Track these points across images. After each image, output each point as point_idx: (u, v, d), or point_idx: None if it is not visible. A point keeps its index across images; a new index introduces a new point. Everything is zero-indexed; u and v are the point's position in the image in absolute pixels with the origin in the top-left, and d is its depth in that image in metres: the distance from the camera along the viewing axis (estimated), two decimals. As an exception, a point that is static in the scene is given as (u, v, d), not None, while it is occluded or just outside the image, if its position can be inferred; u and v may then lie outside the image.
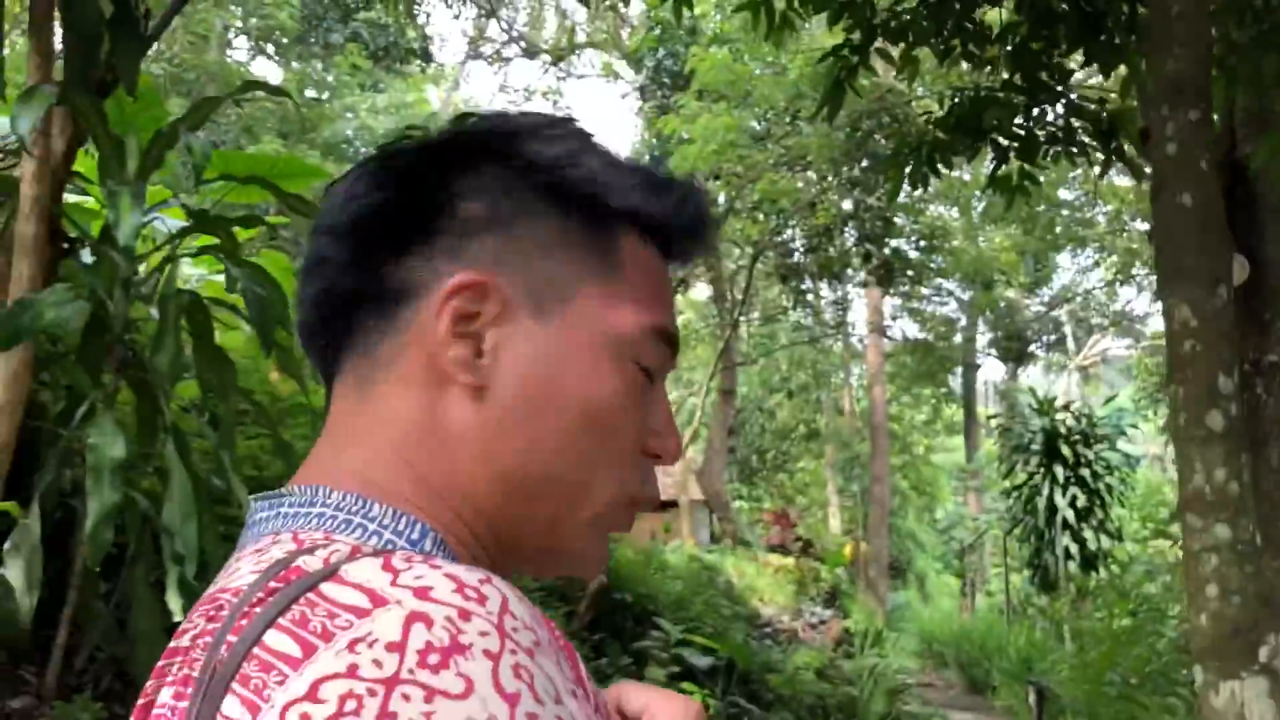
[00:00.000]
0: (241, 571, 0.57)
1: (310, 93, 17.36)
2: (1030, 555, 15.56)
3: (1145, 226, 19.24)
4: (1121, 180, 19.26)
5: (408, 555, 0.52)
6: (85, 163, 3.55)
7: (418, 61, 21.73)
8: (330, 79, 17.69)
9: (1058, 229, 21.72)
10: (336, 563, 0.52)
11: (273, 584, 0.52)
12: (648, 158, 16.53)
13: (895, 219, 15.60)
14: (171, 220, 3.61)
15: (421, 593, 0.48)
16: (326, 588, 0.50)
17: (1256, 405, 3.84)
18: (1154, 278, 21.09)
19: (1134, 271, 21.64)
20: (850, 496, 26.72)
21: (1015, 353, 27.62)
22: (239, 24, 17.75)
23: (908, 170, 4.73)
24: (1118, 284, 23.63)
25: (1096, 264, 23.67)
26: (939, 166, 4.78)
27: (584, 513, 0.66)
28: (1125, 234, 20.43)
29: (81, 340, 3.10)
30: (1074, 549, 14.56)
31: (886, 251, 15.61)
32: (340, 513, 0.60)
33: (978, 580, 23.51)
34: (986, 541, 23.22)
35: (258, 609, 0.51)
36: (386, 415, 0.63)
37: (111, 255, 2.96)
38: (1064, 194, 21.13)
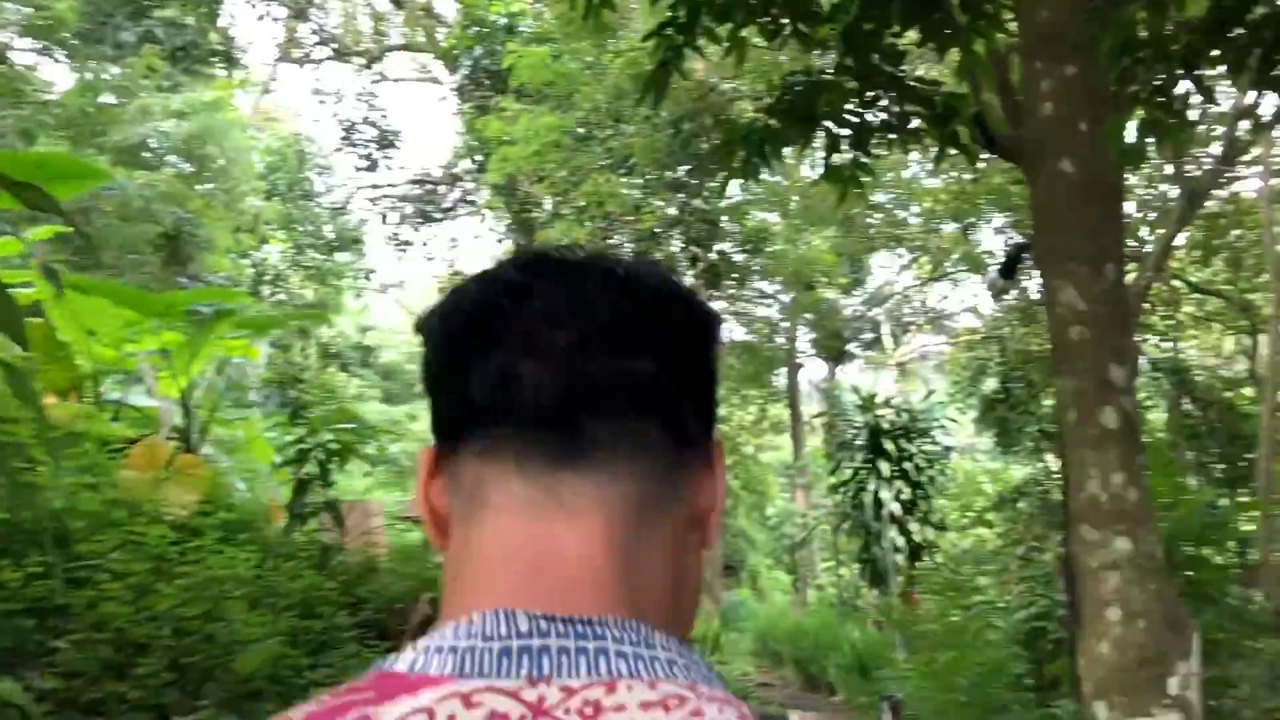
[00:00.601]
0: None
1: (106, 98, 16.02)
2: (859, 549, 15.87)
3: (955, 227, 19.95)
4: (931, 181, 19.93)
5: None
6: None
7: (221, 64, 20.53)
8: (126, 82, 16.39)
9: (872, 231, 22.32)
10: None
11: None
12: (469, 161, 16.00)
13: (720, 223, 15.60)
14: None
15: None
16: None
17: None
18: (965, 275, 21.97)
19: (946, 269, 22.45)
20: (684, 500, 26.83)
21: (835, 352, 28.34)
22: (19, 22, 16.22)
23: (738, 161, 4.46)
24: (930, 283, 24.50)
25: (911, 264, 24.47)
26: (770, 157, 4.54)
27: None
28: (937, 234, 21.14)
29: None
30: (901, 541, 14.94)
31: (713, 255, 15.61)
32: (692, 662, 0.61)
33: (808, 575, 23.97)
34: (815, 537, 23.72)
35: None
36: (660, 547, 0.66)
37: None
38: (878, 197, 21.71)
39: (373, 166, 21.38)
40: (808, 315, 26.42)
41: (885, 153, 4.55)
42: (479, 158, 14.96)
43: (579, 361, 0.63)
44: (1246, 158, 12.65)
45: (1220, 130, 12.51)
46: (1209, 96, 3.75)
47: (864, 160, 4.46)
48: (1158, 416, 13.99)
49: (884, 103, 4.35)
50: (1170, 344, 15.07)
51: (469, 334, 0.65)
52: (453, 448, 0.66)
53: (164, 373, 8.22)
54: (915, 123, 4.36)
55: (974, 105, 4.29)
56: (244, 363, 11.20)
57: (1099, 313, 2.45)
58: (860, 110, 4.37)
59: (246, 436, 10.57)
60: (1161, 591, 2.31)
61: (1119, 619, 2.30)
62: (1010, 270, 5.15)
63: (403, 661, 0.58)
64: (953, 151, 4.30)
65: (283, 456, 8.35)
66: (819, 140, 4.67)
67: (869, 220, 21.89)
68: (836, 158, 4.50)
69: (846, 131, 4.44)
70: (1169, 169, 13.16)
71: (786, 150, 4.73)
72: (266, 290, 20.56)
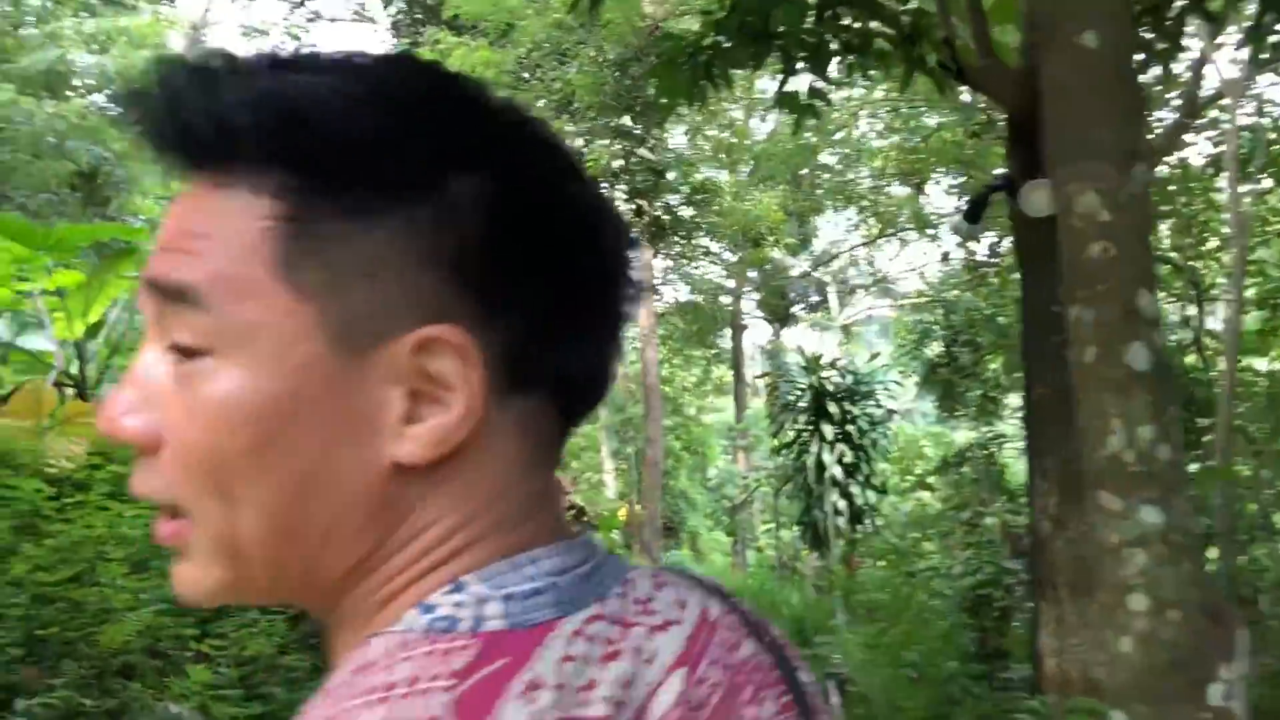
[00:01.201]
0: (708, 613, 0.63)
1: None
2: (800, 512, 15.68)
3: (905, 190, 19.69)
4: (881, 141, 19.58)
5: None
6: None
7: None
8: (39, 5, 15.44)
9: (820, 190, 22.01)
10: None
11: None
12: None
13: (667, 174, 15.12)
14: None
15: None
16: None
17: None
18: (913, 237, 21.79)
19: (894, 231, 22.25)
20: (625, 459, 26.58)
21: (780, 313, 28.11)
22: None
23: (681, 81, 3.99)
24: (878, 244, 24.29)
25: (858, 225, 24.21)
26: (718, 80, 4.07)
27: None
28: (886, 194, 20.88)
29: None
30: (842, 505, 14.74)
31: (658, 210, 15.14)
32: None
33: (747, 537, 23.89)
34: (756, 499, 23.61)
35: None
36: None
37: None
38: (827, 158, 21.36)
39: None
40: (753, 275, 26.10)
41: (844, 78, 4.11)
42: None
43: None
44: (1202, 120, 12.46)
45: (1174, 95, 12.31)
46: (1206, 15, 3.35)
47: (820, 86, 4.01)
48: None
49: (845, 21, 3.90)
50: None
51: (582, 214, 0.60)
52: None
53: (60, 314, 7.58)
54: (879, 44, 3.92)
55: (943, 28, 3.86)
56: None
57: (1126, 225, 1.98)
58: (819, 29, 3.92)
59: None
60: (1197, 574, 1.88)
61: (1146, 609, 1.85)
62: (976, 214, 4.77)
63: (494, 619, 0.54)
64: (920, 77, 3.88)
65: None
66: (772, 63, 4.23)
67: (818, 179, 21.55)
68: (793, 81, 4.05)
69: (803, 53, 3.99)
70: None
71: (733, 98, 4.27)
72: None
